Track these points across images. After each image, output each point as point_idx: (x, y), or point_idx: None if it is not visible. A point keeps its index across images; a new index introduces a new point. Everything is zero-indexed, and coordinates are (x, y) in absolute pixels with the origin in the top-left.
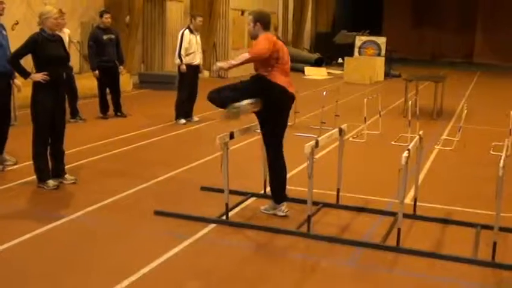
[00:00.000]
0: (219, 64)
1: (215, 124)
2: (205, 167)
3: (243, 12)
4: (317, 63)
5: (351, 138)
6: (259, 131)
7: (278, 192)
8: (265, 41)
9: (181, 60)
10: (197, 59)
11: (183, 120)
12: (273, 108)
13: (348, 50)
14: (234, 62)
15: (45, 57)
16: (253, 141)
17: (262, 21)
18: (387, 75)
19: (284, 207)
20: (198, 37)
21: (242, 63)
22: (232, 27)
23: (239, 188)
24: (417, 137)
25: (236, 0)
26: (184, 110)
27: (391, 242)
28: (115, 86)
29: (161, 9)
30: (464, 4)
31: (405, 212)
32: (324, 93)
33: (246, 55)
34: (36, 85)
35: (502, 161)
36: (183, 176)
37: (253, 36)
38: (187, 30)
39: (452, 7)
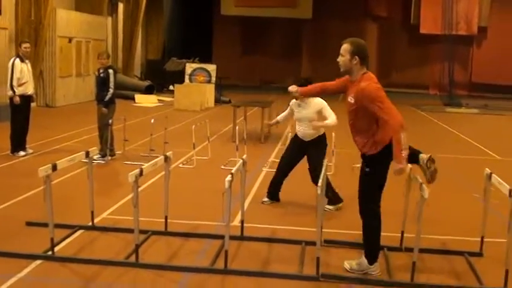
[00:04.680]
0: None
1: (44, 155)
2: (32, 201)
3: (70, 40)
4: (148, 91)
5: (180, 165)
6: (84, 160)
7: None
8: (387, 101)
9: (13, 91)
10: (30, 89)
11: (22, 153)
12: None
13: (178, 77)
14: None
15: None
16: (79, 173)
17: (362, 54)
18: (218, 101)
19: (377, 268)
20: (29, 65)
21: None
22: (60, 54)
23: (66, 221)
24: (240, 161)
25: (63, 27)
26: (19, 142)
27: (220, 264)
28: None
29: None
30: (290, 32)
31: (232, 234)
32: (152, 120)
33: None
34: None
35: (320, 181)
36: (6, 211)
37: (347, 71)
38: (17, 59)
39: (280, 35)
